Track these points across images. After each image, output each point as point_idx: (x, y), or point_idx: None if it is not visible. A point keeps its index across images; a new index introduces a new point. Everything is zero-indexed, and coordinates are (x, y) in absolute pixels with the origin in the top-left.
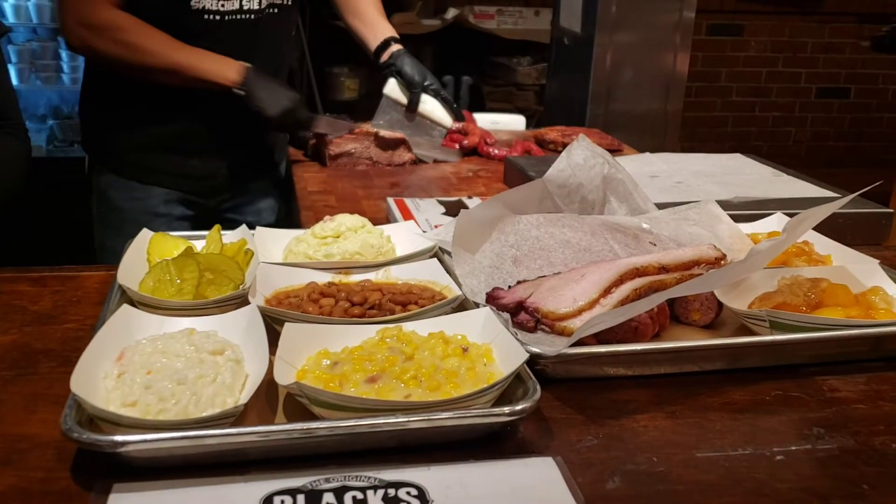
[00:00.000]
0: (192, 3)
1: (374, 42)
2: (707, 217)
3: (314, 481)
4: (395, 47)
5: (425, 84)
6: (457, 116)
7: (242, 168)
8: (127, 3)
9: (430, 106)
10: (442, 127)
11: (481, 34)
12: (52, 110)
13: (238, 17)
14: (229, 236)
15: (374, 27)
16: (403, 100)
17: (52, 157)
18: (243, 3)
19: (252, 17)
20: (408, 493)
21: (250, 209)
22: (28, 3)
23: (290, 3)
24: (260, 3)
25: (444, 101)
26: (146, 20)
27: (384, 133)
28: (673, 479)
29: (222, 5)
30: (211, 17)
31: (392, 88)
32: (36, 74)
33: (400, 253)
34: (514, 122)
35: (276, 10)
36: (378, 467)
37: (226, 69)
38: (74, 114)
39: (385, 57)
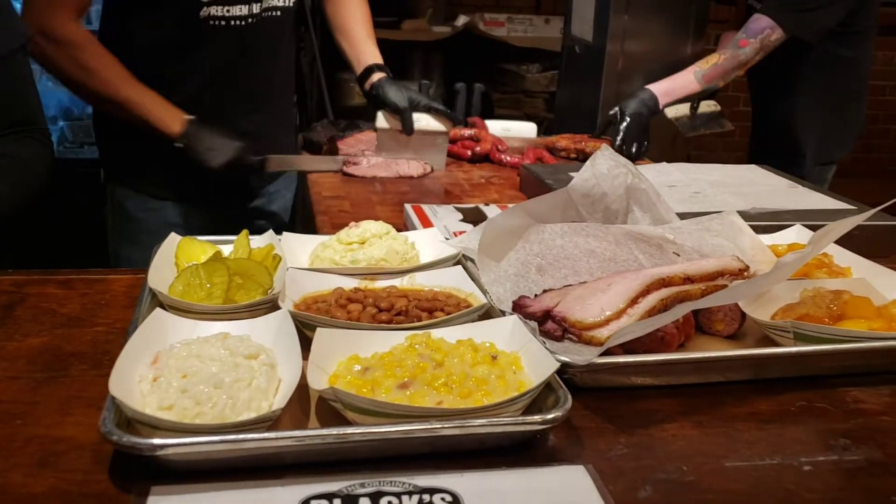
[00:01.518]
0: (201, 13)
1: (357, 67)
2: (729, 228)
3: (350, 486)
4: (378, 76)
5: (414, 105)
6: (455, 122)
7: (257, 176)
8: (132, 11)
9: (424, 122)
10: (442, 134)
11: (491, 41)
12: (63, 112)
13: (241, 22)
14: (256, 241)
15: (359, 51)
16: (398, 126)
17: (63, 158)
18: (250, 7)
19: (253, 20)
20: (442, 499)
21: (264, 214)
22: None
23: (290, 4)
24: (260, 6)
25: (437, 112)
26: (151, 27)
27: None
28: (703, 489)
29: (227, 11)
30: (216, 23)
31: (382, 122)
32: (46, 76)
33: (424, 260)
34: (525, 129)
35: (277, 13)
36: (411, 473)
37: (169, 119)
38: (85, 115)
39: (367, 87)
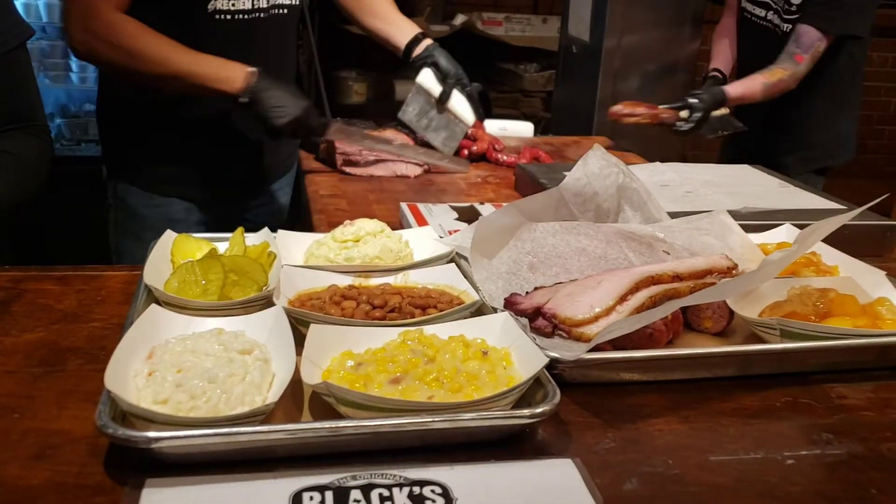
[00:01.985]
0: (208, 7)
1: (402, 39)
2: (719, 227)
3: (342, 478)
4: (428, 41)
5: (459, 79)
6: (480, 118)
7: (260, 173)
8: (140, 5)
9: (458, 101)
10: (464, 124)
11: (489, 40)
12: (60, 109)
13: (247, 16)
14: (252, 238)
15: (399, 25)
16: (435, 90)
17: (61, 155)
18: (254, 2)
19: (261, 15)
20: (432, 490)
21: (265, 210)
22: (38, 2)
23: (297, 2)
24: (268, 2)
25: (471, 99)
26: (158, 21)
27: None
28: (688, 482)
29: (233, 4)
30: (222, 17)
31: (426, 77)
32: (45, 73)
33: (418, 258)
34: (522, 129)
35: (284, 11)
36: (402, 466)
37: (230, 75)
38: (82, 112)
39: (419, 50)
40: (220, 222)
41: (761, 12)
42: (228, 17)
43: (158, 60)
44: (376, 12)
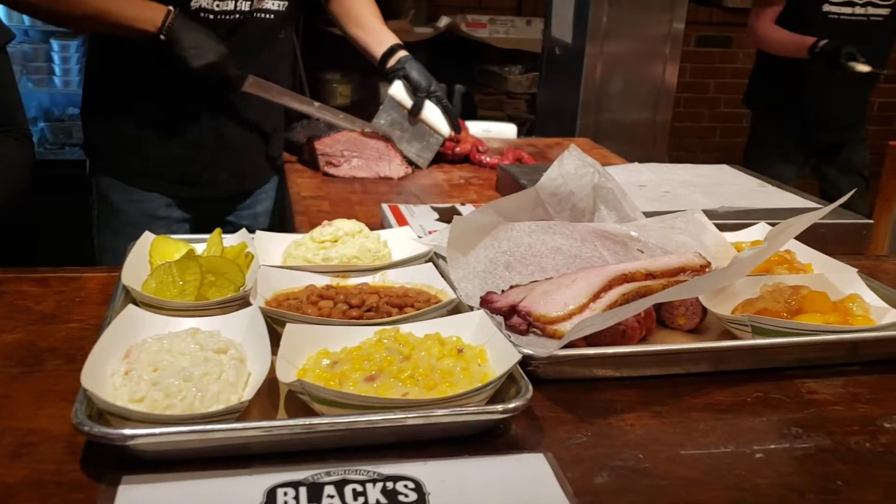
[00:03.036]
0: (192, 5)
1: (378, 49)
2: (693, 226)
3: (315, 475)
4: (402, 53)
5: (431, 90)
6: (455, 128)
7: (243, 174)
8: None
9: (431, 113)
10: (439, 135)
11: (473, 43)
12: (44, 113)
13: (229, 17)
14: (229, 240)
15: (378, 35)
16: (407, 103)
17: (44, 159)
18: (238, 3)
19: (242, 17)
20: (405, 486)
21: (248, 213)
22: None
23: (283, 9)
24: (250, 5)
25: (446, 111)
26: None
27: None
28: (658, 475)
29: (217, 5)
30: (206, 15)
31: (397, 90)
32: (27, 77)
33: (396, 257)
34: (505, 131)
35: (270, 16)
36: (376, 462)
37: (148, 13)
38: (66, 116)
39: (392, 62)
40: (201, 222)
41: (849, 9)
42: (211, 16)
43: (77, 1)
44: (359, 21)
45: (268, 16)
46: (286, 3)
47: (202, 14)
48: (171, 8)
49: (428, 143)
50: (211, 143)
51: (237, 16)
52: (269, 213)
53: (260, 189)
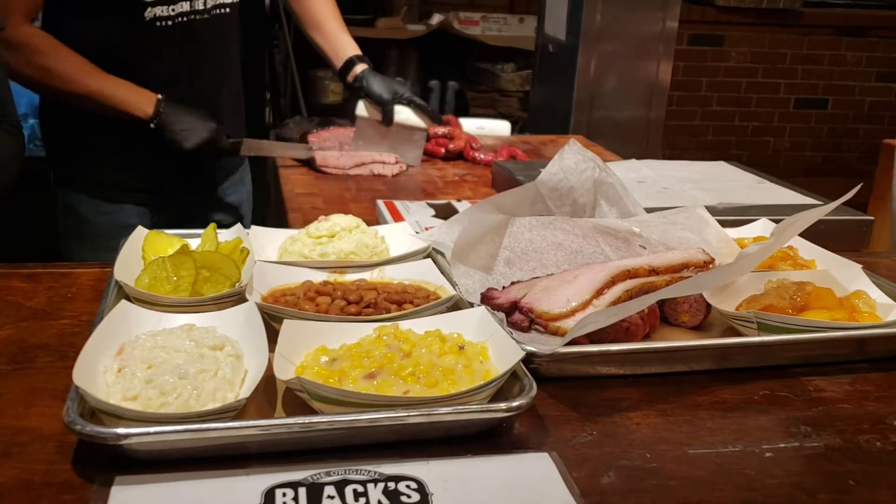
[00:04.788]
0: (146, 14)
1: (336, 60)
2: (695, 221)
3: (315, 474)
4: (361, 67)
5: (397, 97)
6: (434, 119)
7: (209, 172)
8: (77, 16)
9: (405, 114)
10: (420, 129)
11: (466, 40)
12: (34, 109)
13: (187, 18)
14: (224, 235)
15: (337, 44)
16: (377, 116)
17: (33, 156)
18: (193, 3)
19: (200, 17)
20: (407, 486)
21: (220, 208)
22: None
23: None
24: (205, 3)
25: (418, 107)
26: (98, 34)
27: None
28: (666, 475)
29: (172, 10)
30: (163, 23)
31: (363, 110)
32: None
33: (394, 253)
34: (498, 128)
35: (226, 10)
36: (377, 461)
37: (140, 103)
38: None
39: (350, 78)
40: (174, 224)
41: None
42: (169, 23)
43: (72, 80)
44: (318, 24)
45: (223, 10)
46: None
47: (158, 23)
48: (159, 96)
49: (412, 141)
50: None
51: (195, 16)
52: (244, 205)
53: (226, 183)
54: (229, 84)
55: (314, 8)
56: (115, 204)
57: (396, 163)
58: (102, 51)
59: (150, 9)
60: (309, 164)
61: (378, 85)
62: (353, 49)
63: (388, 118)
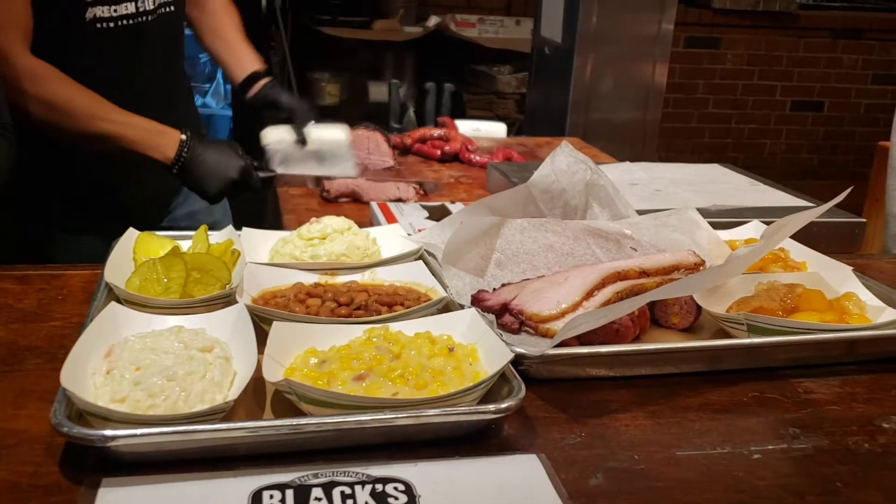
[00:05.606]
0: (86, 15)
1: (240, 74)
2: (686, 223)
3: (303, 476)
4: (265, 80)
5: (305, 116)
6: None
7: (167, 188)
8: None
9: (319, 132)
10: (341, 141)
11: (462, 42)
12: None
13: (132, 21)
14: (216, 236)
15: (240, 57)
16: (291, 137)
17: None
18: (138, 4)
19: (147, 18)
20: (395, 488)
21: (184, 212)
22: None
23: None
24: (154, 2)
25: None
26: (36, 35)
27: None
28: (654, 476)
29: (115, 10)
30: (104, 24)
31: (274, 136)
32: None
33: (385, 255)
34: (495, 130)
35: (171, 8)
36: (365, 463)
37: (161, 142)
38: None
39: (252, 93)
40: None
41: None
42: (111, 24)
43: (86, 118)
44: (220, 35)
45: (169, 8)
46: None
47: (99, 24)
48: (183, 137)
49: (338, 154)
50: (123, 167)
51: (140, 18)
52: (211, 210)
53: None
54: (177, 81)
55: (216, 17)
56: (73, 235)
57: (390, 155)
58: (43, 55)
59: (90, 9)
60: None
61: (288, 99)
62: (256, 63)
63: (302, 139)
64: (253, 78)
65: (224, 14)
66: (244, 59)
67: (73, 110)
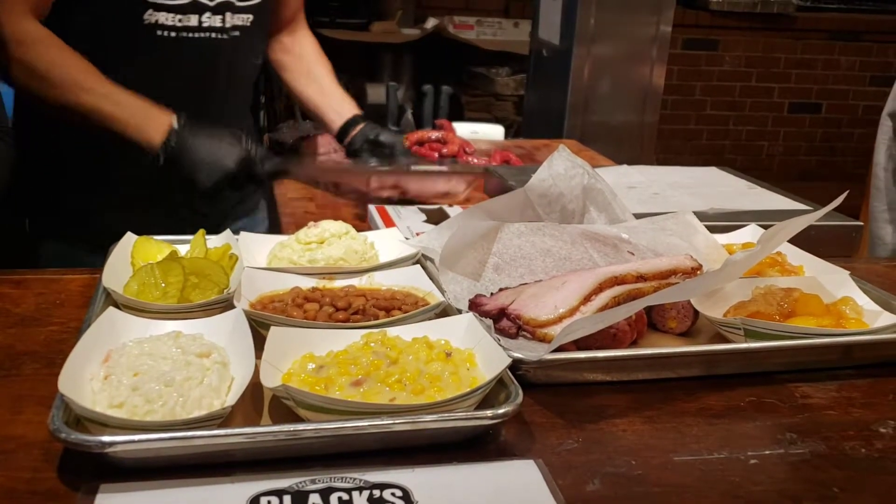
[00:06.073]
0: (145, 17)
1: (335, 119)
2: (684, 227)
3: (300, 482)
4: (363, 124)
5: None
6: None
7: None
8: (62, 13)
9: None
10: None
11: (461, 44)
12: None
13: (196, 35)
14: (213, 241)
15: (335, 101)
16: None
17: None
18: (203, 20)
19: (213, 36)
20: (393, 494)
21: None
22: None
23: (251, 25)
24: (223, 22)
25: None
26: (95, 36)
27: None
28: (651, 482)
29: (179, 20)
30: (165, 33)
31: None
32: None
33: (383, 259)
34: (492, 132)
35: (239, 34)
36: (363, 469)
37: (149, 126)
38: None
39: (354, 134)
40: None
41: None
42: (173, 34)
43: (68, 87)
44: (315, 80)
45: (236, 33)
46: (251, 15)
47: (160, 31)
48: (174, 124)
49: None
50: (166, 193)
51: (208, 34)
52: (262, 221)
53: (246, 205)
54: (238, 111)
55: (310, 62)
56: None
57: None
58: (98, 57)
59: (151, 12)
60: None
61: (386, 137)
62: (353, 107)
63: (401, 165)
64: (352, 123)
65: (318, 60)
66: (342, 105)
67: (53, 78)
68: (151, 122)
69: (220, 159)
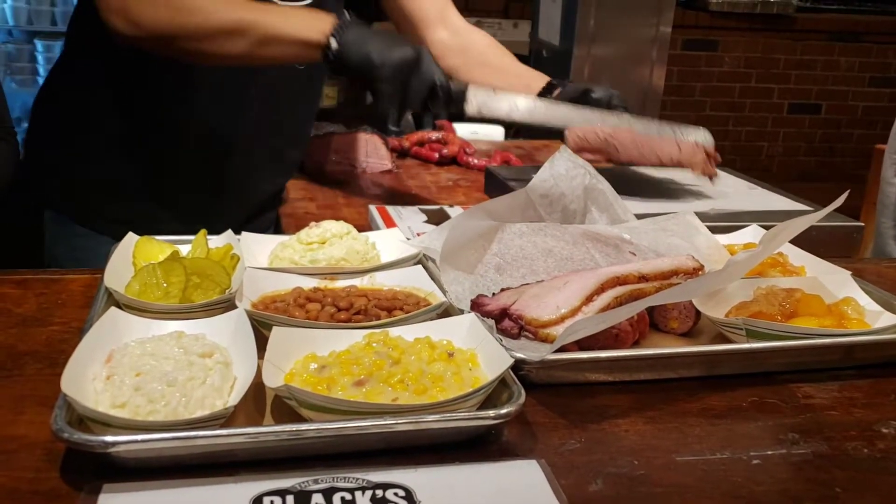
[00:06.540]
0: None
1: (535, 85)
2: (685, 228)
3: (303, 482)
4: (559, 88)
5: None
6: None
7: (242, 207)
8: None
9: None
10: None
11: None
12: (27, 113)
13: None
14: (215, 241)
15: (521, 80)
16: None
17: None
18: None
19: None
20: (395, 493)
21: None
22: (4, 5)
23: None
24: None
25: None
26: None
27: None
28: (653, 482)
29: None
30: None
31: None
32: (11, 77)
33: (385, 259)
34: (492, 133)
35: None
36: (365, 469)
37: (310, 26)
38: None
39: (556, 94)
40: None
41: None
42: None
43: (212, 9)
44: (490, 64)
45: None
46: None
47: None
48: (328, 16)
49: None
50: (204, 185)
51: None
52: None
53: (266, 214)
54: (299, 143)
55: (479, 51)
56: (99, 235)
57: (388, 158)
58: (147, 78)
59: None
60: (302, 169)
61: (598, 88)
62: (541, 77)
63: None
64: (550, 87)
65: (488, 47)
66: (530, 81)
67: (197, 4)
68: (309, 21)
69: (400, 48)
